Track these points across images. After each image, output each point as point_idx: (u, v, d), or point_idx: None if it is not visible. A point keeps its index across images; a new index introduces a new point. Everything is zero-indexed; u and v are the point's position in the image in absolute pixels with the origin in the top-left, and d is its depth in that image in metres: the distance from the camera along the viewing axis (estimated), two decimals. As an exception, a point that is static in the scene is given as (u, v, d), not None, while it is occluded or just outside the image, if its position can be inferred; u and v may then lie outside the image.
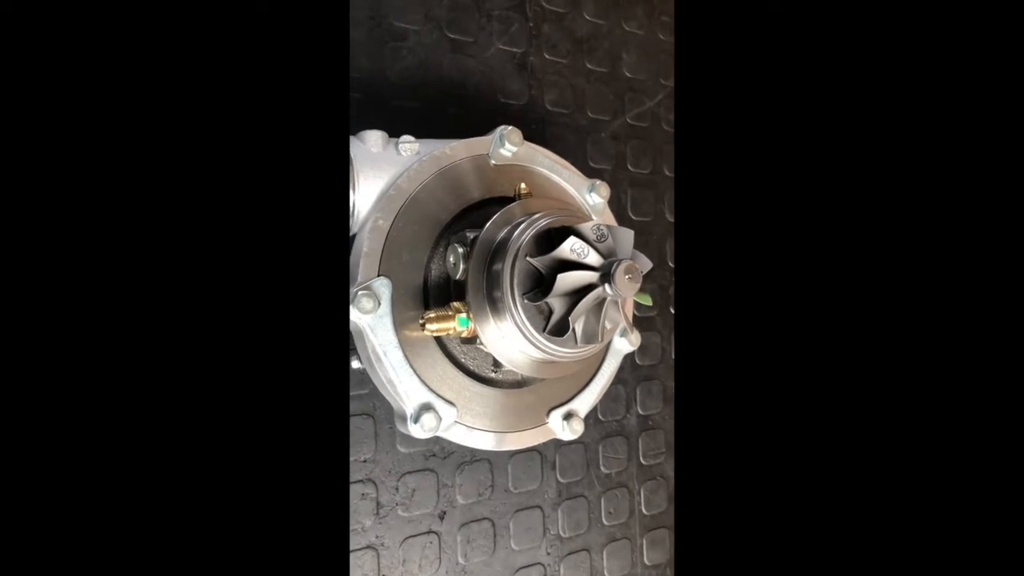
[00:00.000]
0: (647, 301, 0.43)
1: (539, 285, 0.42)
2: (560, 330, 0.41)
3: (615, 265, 0.39)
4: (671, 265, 0.80)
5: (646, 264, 0.42)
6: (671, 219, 0.81)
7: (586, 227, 0.41)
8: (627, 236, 0.43)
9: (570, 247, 0.41)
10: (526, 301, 0.42)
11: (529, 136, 0.53)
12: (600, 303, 0.42)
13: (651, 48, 0.81)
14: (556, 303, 0.41)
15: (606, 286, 0.40)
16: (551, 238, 0.42)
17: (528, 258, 0.42)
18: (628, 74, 0.79)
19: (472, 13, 0.68)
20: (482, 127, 0.53)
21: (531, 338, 0.42)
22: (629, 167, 0.78)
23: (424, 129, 0.51)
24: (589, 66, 0.76)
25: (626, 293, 0.40)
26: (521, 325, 0.42)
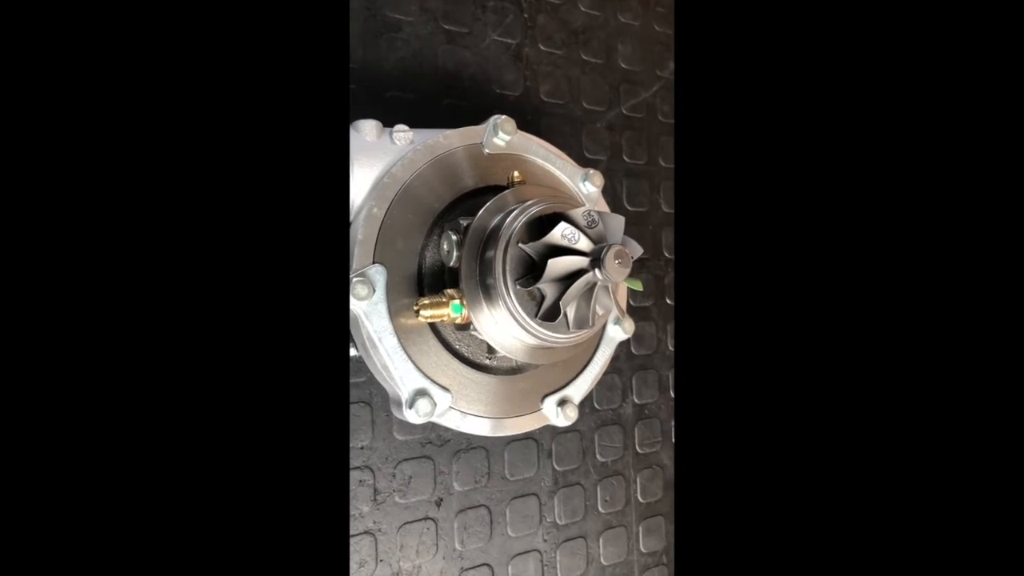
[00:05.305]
0: (637, 286, 0.43)
1: (531, 271, 0.43)
2: (552, 315, 0.42)
3: (605, 250, 0.40)
4: (666, 255, 0.80)
5: (636, 249, 0.42)
6: (667, 209, 0.81)
7: (577, 213, 0.42)
8: (618, 222, 0.43)
9: (561, 233, 0.41)
10: (518, 287, 0.42)
11: (524, 127, 0.54)
12: (591, 288, 0.42)
13: (646, 39, 0.81)
14: (548, 288, 0.42)
15: (596, 271, 0.40)
16: (543, 225, 0.43)
17: (520, 244, 0.42)
18: (623, 65, 0.79)
19: (467, 4, 0.68)
20: (477, 118, 0.53)
21: (523, 323, 0.43)
22: (624, 158, 0.78)
23: (419, 120, 0.51)
24: (584, 57, 0.76)
25: (616, 278, 0.40)
26: (513, 311, 0.42)
